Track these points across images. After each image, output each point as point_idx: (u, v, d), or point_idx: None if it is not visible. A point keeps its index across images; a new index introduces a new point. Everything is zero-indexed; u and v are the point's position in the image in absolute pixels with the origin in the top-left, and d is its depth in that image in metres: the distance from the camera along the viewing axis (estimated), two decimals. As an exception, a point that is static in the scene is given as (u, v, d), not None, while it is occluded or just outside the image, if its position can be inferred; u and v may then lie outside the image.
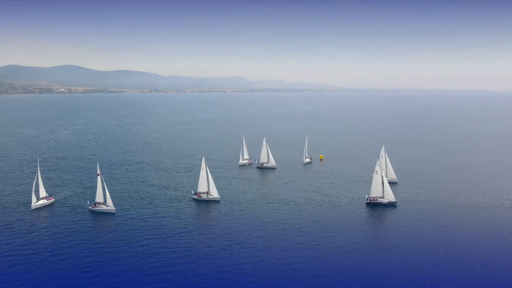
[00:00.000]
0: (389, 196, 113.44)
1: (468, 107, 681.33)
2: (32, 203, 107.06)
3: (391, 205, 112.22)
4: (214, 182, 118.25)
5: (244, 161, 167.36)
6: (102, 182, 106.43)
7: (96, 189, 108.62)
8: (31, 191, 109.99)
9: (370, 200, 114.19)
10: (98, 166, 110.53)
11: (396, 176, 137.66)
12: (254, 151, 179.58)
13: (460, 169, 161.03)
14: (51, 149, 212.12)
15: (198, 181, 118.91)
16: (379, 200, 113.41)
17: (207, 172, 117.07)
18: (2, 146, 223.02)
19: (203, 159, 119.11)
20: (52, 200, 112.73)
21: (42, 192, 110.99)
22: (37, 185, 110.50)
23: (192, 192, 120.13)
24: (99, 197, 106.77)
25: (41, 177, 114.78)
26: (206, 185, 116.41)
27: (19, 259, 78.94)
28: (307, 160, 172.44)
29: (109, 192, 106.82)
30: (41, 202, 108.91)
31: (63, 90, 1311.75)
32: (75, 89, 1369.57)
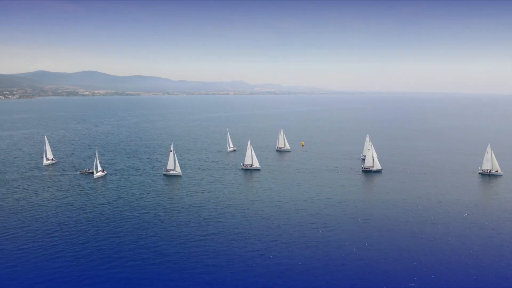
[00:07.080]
0: (377, 165, 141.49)
1: (432, 108, 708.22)
2: (94, 174, 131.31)
3: (378, 171, 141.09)
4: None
5: (231, 149, 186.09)
6: (174, 155, 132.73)
7: (168, 159, 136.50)
8: (93, 166, 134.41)
9: (364, 168, 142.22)
10: (172, 145, 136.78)
11: (377, 154, 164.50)
12: (270, 139, 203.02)
13: (416, 151, 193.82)
14: (101, 138, 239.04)
15: (244, 156, 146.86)
16: (370, 168, 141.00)
17: (251, 150, 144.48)
18: (63, 137, 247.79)
19: (249, 142, 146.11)
20: (105, 172, 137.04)
21: (99, 167, 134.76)
22: (96, 162, 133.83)
23: (241, 164, 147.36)
24: (170, 165, 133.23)
25: (98, 156, 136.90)
26: (251, 159, 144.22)
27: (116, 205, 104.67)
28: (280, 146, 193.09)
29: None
30: (99, 173, 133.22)
31: (88, 93, 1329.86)
32: (98, 92, 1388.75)
